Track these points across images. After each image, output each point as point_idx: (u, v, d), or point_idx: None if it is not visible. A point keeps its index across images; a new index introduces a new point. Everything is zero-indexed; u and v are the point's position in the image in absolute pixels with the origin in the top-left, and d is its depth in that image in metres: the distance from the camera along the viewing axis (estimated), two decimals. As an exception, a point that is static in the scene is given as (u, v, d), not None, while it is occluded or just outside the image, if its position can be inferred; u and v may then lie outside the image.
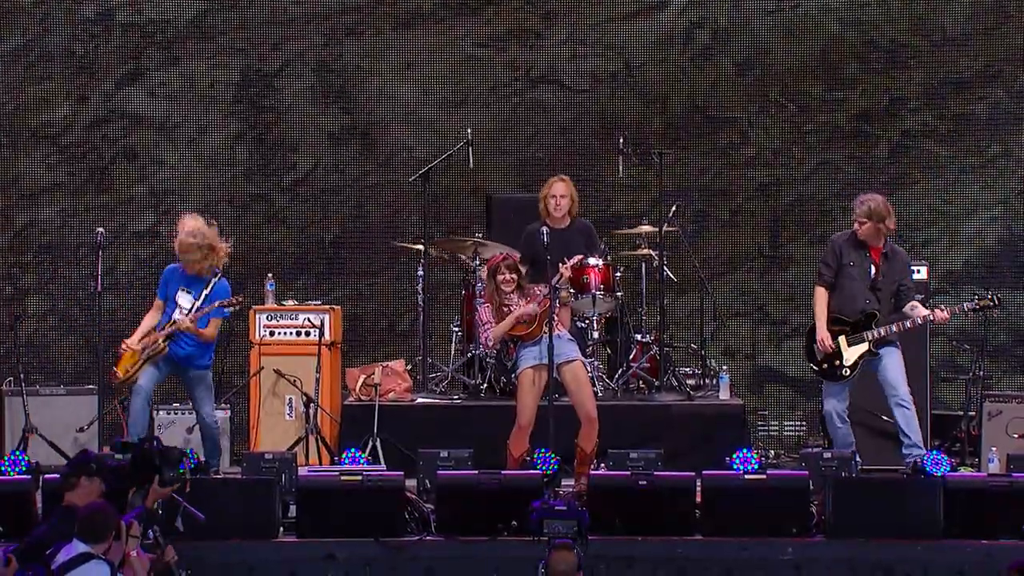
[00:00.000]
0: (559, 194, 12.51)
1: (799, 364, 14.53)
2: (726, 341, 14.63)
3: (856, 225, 11.62)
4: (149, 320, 11.86)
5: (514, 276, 11.29)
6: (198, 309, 11.70)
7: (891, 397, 11.56)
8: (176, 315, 11.73)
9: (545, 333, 11.10)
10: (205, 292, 11.75)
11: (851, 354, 11.62)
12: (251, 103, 14.98)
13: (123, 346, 11.74)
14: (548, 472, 10.81)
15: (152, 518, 9.18)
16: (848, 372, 11.62)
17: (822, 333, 11.61)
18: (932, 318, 11.56)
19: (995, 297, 11.69)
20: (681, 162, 14.68)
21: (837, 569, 10.33)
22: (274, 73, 14.98)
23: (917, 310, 11.60)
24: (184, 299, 11.78)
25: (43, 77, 14.96)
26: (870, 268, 11.66)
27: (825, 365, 11.67)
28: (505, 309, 11.30)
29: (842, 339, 11.62)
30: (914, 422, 11.54)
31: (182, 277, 11.86)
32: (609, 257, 12.90)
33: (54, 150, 14.94)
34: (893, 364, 11.59)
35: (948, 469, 10.90)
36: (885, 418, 12.06)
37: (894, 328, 11.58)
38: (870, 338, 11.58)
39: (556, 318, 11.24)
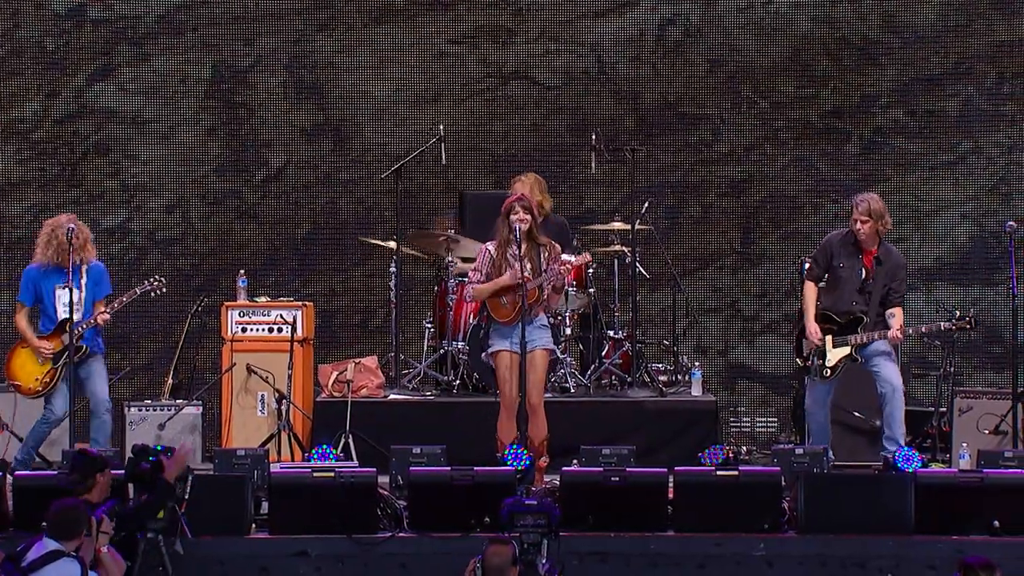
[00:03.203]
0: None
1: (771, 360, 14.57)
2: (698, 337, 14.65)
3: (857, 225, 11.55)
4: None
5: (528, 217, 11.25)
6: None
7: (885, 392, 11.51)
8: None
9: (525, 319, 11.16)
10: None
11: (834, 356, 11.61)
12: (223, 99, 14.94)
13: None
14: (520, 468, 10.80)
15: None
16: (829, 373, 11.62)
17: (811, 325, 11.61)
18: (891, 337, 11.56)
19: (972, 320, 11.65)
20: (653, 158, 14.69)
21: (809, 564, 10.35)
22: (246, 69, 14.95)
23: (894, 320, 11.55)
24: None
25: (13, 72, 14.90)
26: (861, 271, 11.63)
27: (809, 361, 11.67)
28: (504, 267, 11.26)
29: (828, 338, 11.62)
30: (900, 416, 11.50)
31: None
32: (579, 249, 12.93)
33: (25, 145, 14.89)
34: (888, 361, 11.56)
35: (919, 465, 10.93)
36: (858, 414, 12.10)
37: (876, 336, 11.56)
38: (853, 343, 11.57)
39: (543, 302, 11.27)
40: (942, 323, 11.77)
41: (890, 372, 11.54)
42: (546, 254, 11.30)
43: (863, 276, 11.61)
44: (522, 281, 11.12)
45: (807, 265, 11.85)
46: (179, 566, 9.37)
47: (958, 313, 11.76)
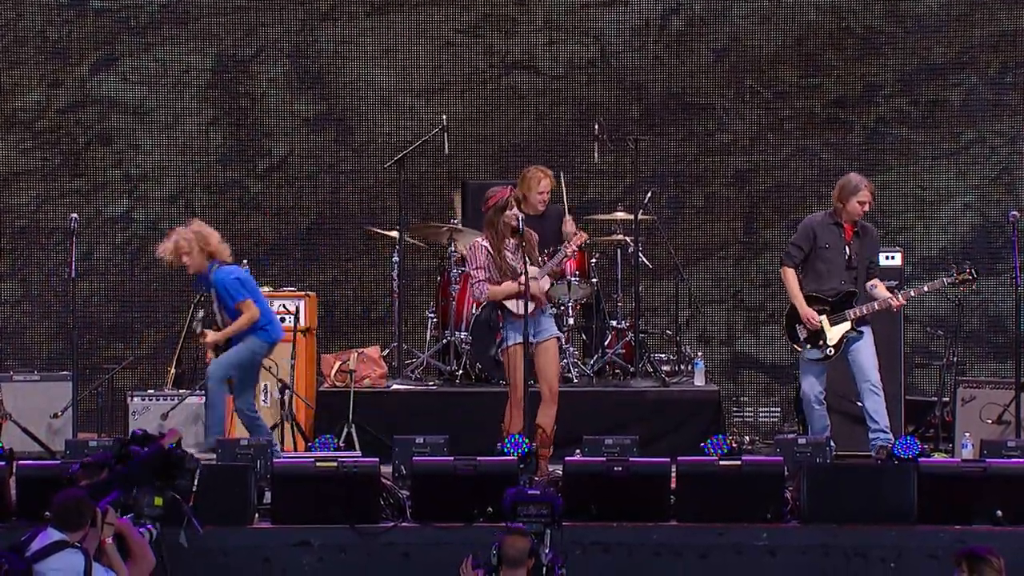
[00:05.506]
0: (546, 190, 12.49)
1: (774, 350, 14.57)
2: (701, 327, 14.65)
3: (866, 206, 11.66)
4: None
5: (519, 213, 11.27)
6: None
7: (862, 382, 11.61)
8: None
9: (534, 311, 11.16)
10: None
11: (834, 333, 11.64)
12: (226, 89, 14.94)
13: None
14: (518, 455, 10.79)
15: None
16: (832, 351, 11.65)
17: (805, 309, 11.62)
18: (889, 304, 11.61)
19: (973, 271, 11.69)
20: (656, 148, 14.69)
21: (811, 554, 10.34)
22: (249, 59, 14.95)
23: (877, 290, 11.66)
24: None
25: (16, 62, 14.90)
26: (845, 249, 11.69)
27: (809, 345, 11.69)
28: (504, 263, 11.25)
29: (824, 318, 11.65)
30: (883, 408, 11.59)
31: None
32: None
33: (28, 135, 14.89)
34: (866, 348, 11.64)
35: (917, 452, 10.91)
36: (859, 403, 12.08)
37: (866, 309, 11.62)
38: (851, 316, 11.61)
39: (539, 296, 11.31)
40: (944, 278, 11.77)
41: (869, 360, 11.57)
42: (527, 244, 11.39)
43: (847, 253, 11.66)
44: (526, 278, 11.16)
45: (788, 250, 11.84)
46: (182, 557, 9.37)
47: (955, 269, 11.76)
